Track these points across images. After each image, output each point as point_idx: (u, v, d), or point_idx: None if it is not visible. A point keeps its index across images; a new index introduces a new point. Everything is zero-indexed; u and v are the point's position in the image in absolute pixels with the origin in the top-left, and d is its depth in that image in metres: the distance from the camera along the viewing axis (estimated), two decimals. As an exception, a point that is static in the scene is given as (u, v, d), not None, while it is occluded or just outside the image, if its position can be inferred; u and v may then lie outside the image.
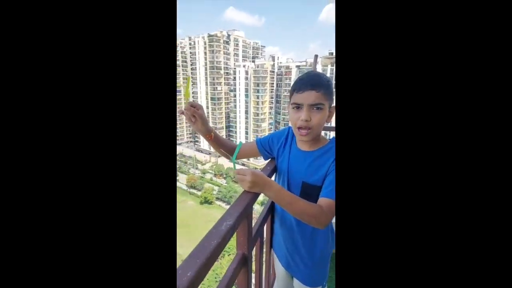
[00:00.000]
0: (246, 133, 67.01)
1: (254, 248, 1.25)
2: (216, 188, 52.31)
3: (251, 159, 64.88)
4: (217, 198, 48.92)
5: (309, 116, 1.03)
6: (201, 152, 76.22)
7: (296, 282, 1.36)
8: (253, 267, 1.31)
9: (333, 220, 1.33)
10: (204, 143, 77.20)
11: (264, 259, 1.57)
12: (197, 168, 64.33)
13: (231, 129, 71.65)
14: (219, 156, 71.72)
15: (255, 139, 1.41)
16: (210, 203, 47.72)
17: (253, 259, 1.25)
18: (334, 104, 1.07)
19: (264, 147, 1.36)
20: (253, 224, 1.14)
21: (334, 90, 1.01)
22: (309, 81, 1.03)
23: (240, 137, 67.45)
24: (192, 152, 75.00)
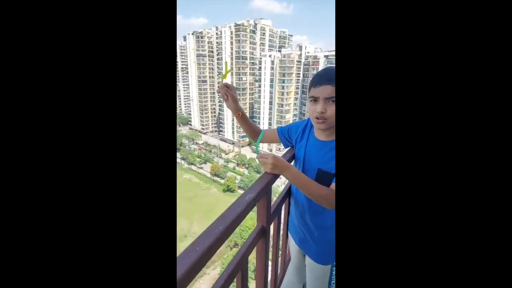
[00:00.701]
0: (270, 124, 66.69)
1: (272, 224, 1.38)
2: (238, 177, 53.39)
3: (273, 151, 64.92)
4: (239, 187, 49.98)
5: (324, 108, 1.12)
6: (225, 141, 77.74)
7: (308, 260, 1.46)
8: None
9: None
10: (228, 133, 78.50)
11: (281, 237, 1.70)
12: (221, 157, 65.95)
13: (254, 119, 71.63)
14: (242, 146, 72.90)
15: (276, 127, 1.56)
16: (232, 191, 48.95)
17: (271, 233, 1.38)
18: None
19: (284, 135, 1.51)
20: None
21: None
22: (325, 75, 1.13)
23: (263, 128, 67.09)
24: (216, 141, 76.83)
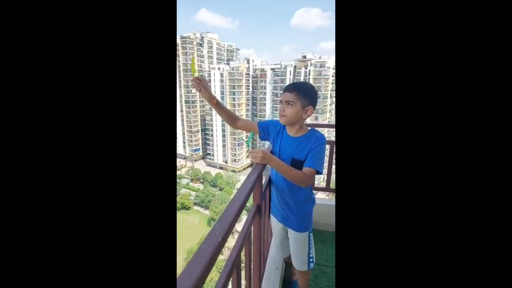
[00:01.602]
0: (223, 135, 66.38)
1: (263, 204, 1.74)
2: (193, 193, 51.01)
3: (229, 162, 64.49)
4: (195, 203, 47.70)
5: (283, 108, 1.58)
6: (177, 157, 73.61)
7: (290, 232, 1.84)
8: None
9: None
10: (179, 148, 74.86)
11: (267, 213, 2.02)
12: (173, 173, 61.81)
13: (207, 132, 70.44)
14: (195, 160, 70.31)
15: (257, 121, 1.92)
16: (188, 208, 46.39)
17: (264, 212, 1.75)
18: (310, 106, 1.56)
19: (263, 129, 1.85)
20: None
21: (312, 95, 1.55)
22: (288, 86, 1.58)
23: (217, 140, 66.62)
24: (167, 157, 71.74)
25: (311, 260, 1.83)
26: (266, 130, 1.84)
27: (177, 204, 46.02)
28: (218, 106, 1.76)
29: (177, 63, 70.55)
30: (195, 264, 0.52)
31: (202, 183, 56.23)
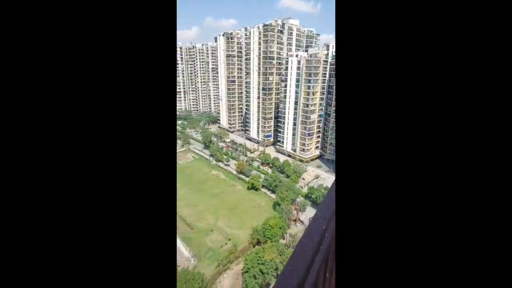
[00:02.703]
0: (294, 124, 66.49)
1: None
2: (262, 176, 54.26)
3: (297, 151, 64.53)
4: (263, 186, 50.76)
5: None
6: (250, 140, 79.03)
7: None
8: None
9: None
10: (253, 132, 79.72)
11: None
12: (246, 155, 67.38)
13: (279, 119, 71.96)
14: (266, 146, 73.47)
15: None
16: (256, 189, 49.91)
17: None
18: None
19: None
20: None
21: None
22: None
23: (288, 128, 67.37)
24: (242, 140, 78.46)
25: None
26: None
27: (248, 184, 50.23)
28: None
29: (258, 51, 73.54)
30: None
31: (271, 167, 58.89)
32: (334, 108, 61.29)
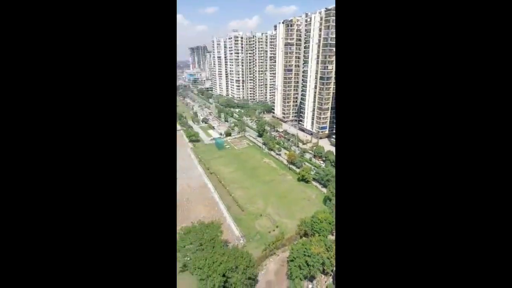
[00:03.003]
0: (354, 116, 61.37)
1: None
2: (314, 168, 52.94)
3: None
4: (314, 179, 49.61)
5: None
6: (304, 131, 77.21)
7: None
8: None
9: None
10: (307, 123, 77.39)
11: None
12: (298, 146, 66.47)
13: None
14: (320, 138, 70.62)
15: None
16: (307, 182, 49.14)
17: None
18: None
19: None
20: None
21: None
22: None
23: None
24: (295, 130, 77.33)
25: None
26: None
27: (298, 175, 49.77)
28: None
29: (318, 38, 69.96)
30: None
31: (324, 161, 56.76)
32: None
